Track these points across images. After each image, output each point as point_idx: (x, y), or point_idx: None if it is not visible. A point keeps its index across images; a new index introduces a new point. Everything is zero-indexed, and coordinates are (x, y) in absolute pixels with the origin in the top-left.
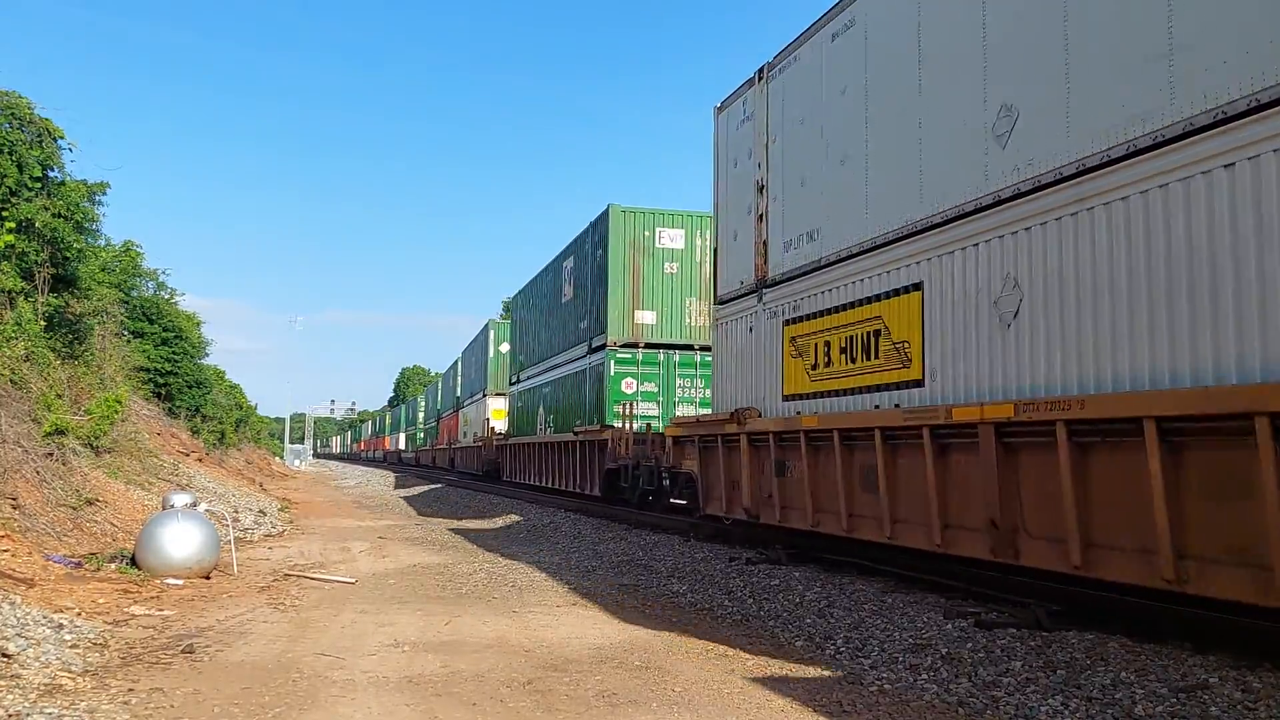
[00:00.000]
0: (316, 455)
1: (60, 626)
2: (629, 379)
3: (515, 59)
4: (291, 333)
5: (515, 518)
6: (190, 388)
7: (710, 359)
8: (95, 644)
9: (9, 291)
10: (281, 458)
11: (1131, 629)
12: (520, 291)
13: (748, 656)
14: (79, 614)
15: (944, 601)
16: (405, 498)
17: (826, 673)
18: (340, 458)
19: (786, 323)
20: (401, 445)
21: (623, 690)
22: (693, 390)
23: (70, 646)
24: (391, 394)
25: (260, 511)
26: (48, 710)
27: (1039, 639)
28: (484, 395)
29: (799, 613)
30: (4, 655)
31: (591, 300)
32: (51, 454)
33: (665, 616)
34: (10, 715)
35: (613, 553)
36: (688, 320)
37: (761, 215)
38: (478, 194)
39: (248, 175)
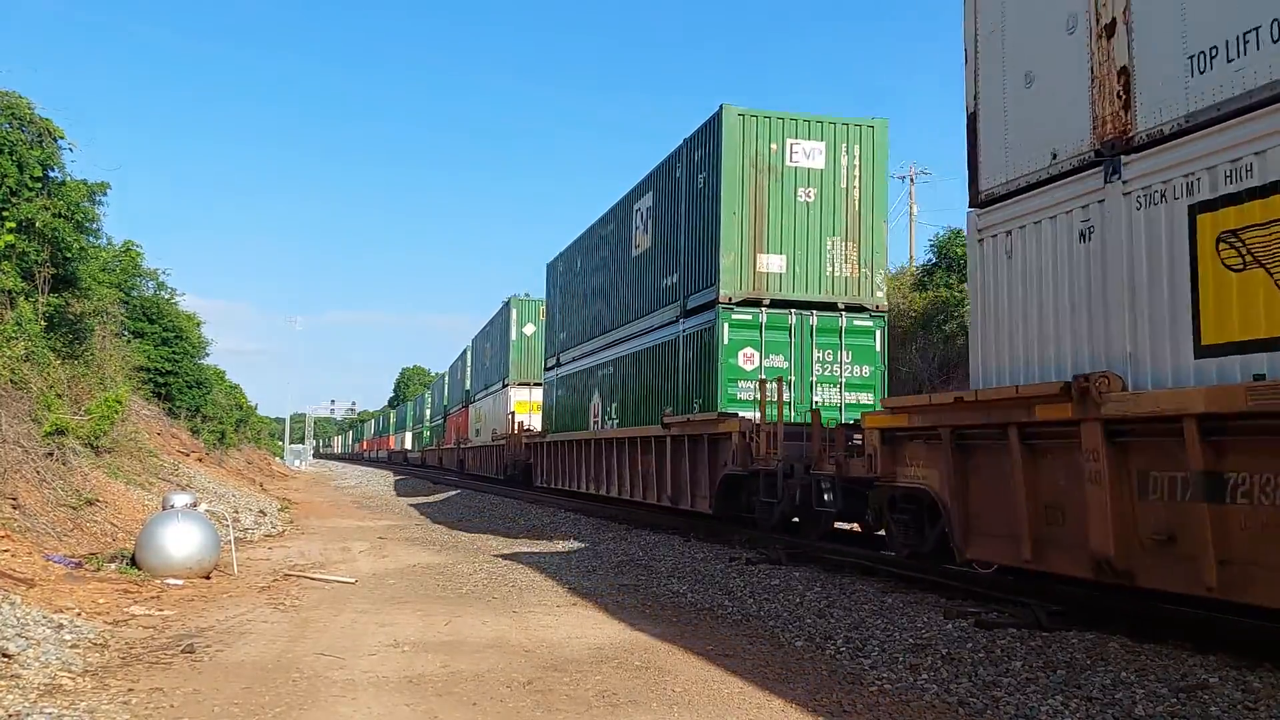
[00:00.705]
0: (317, 455)
1: (60, 626)
2: (748, 349)
3: (516, 61)
4: (291, 333)
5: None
6: (190, 388)
7: (863, 324)
8: (95, 644)
9: (9, 291)
10: (281, 458)
11: (1131, 629)
12: (560, 256)
13: (748, 656)
14: (79, 614)
15: (944, 601)
16: (414, 505)
17: (826, 673)
18: (342, 458)
19: (1200, 208)
20: (407, 445)
21: (623, 690)
22: (836, 367)
23: (70, 646)
24: (391, 394)
25: (260, 512)
26: (48, 710)
27: (1039, 639)
28: (504, 386)
29: (799, 613)
30: (4, 655)
31: (688, 244)
32: (51, 454)
33: (665, 616)
34: (10, 715)
35: (613, 553)
36: (829, 269)
37: (1110, 24)
38: (478, 194)
39: (248, 176)
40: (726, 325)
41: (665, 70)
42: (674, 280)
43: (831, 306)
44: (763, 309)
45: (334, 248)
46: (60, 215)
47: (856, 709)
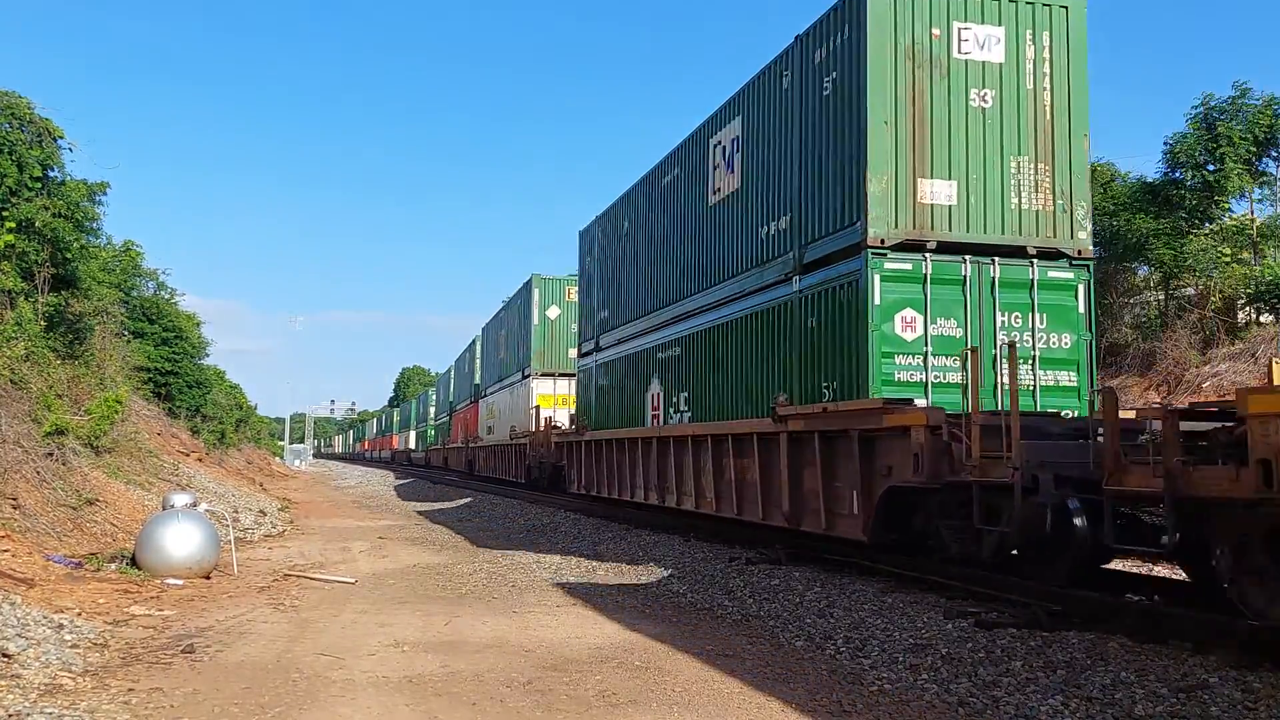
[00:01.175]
0: (318, 456)
1: (60, 626)
2: (908, 311)
3: (516, 60)
4: (291, 333)
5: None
6: (190, 388)
7: (1061, 276)
8: (95, 644)
9: (9, 291)
10: (281, 458)
11: (1131, 629)
12: (598, 220)
13: (748, 656)
14: (79, 614)
15: (944, 601)
16: (414, 505)
17: (826, 673)
18: (342, 458)
19: None
20: (411, 444)
21: (623, 690)
22: (1027, 336)
23: (70, 646)
24: (392, 394)
25: (260, 511)
26: (48, 710)
27: (1039, 639)
28: (525, 377)
29: (799, 613)
30: (4, 655)
31: (807, 175)
32: (51, 454)
33: (665, 616)
34: (10, 715)
35: (613, 553)
36: (1013, 200)
37: None
38: (478, 192)
39: (249, 176)
40: (878, 278)
41: (670, 66)
42: (782, 226)
43: (1019, 251)
44: (927, 255)
45: (334, 247)
46: (60, 215)
47: (856, 709)
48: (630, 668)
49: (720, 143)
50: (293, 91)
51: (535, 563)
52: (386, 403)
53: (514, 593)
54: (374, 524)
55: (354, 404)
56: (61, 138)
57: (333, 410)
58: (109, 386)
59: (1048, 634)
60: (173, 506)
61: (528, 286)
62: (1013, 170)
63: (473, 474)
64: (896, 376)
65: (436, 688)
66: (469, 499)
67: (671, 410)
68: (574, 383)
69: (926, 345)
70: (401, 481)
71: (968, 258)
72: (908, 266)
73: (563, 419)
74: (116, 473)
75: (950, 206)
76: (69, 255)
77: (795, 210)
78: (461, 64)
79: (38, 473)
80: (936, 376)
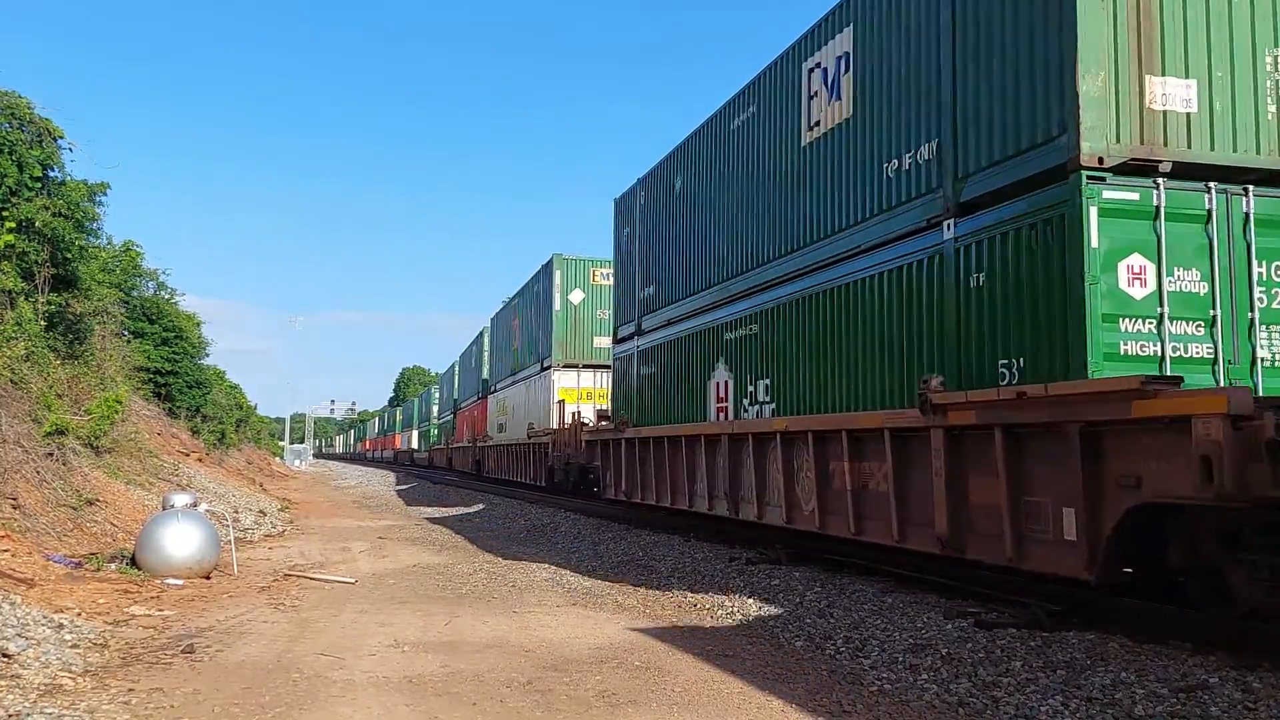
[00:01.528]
0: (318, 456)
1: (60, 626)
2: (1136, 259)
3: (515, 57)
4: (291, 333)
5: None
6: (190, 388)
7: None
8: (95, 644)
9: (9, 291)
10: (281, 458)
11: (1132, 629)
12: (643, 183)
13: (748, 656)
14: (79, 614)
15: (944, 602)
16: (414, 505)
17: (826, 673)
18: (343, 458)
19: None
20: (414, 444)
21: (623, 690)
22: None
23: (70, 646)
24: (392, 394)
25: (260, 512)
26: (48, 710)
27: (1039, 639)
28: (544, 369)
29: (799, 613)
30: (4, 655)
31: (968, 81)
32: (51, 454)
33: (665, 616)
34: (10, 715)
35: (613, 553)
36: (1270, 107)
37: None
38: (477, 195)
39: (249, 176)
40: (1095, 211)
41: (690, 61)
42: (924, 157)
43: (1278, 178)
44: (1159, 181)
45: (334, 247)
46: (60, 215)
47: (856, 709)
48: (630, 668)
49: (820, 64)
50: (293, 92)
51: (535, 563)
52: (387, 403)
53: (514, 593)
54: (374, 524)
55: (354, 404)
56: (61, 138)
57: (333, 410)
58: (109, 386)
59: (1048, 634)
60: (173, 506)
61: (548, 268)
62: (1268, 67)
63: (480, 475)
64: (1121, 348)
65: (436, 688)
66: (470, 499)
67: (746, 401)
68: (599, 374)
69: (1161, 305)
70: (403, 483)
71: (1213, 185)
72: (1134, 196)
73: (588, 414)
74: (116, 473)
75: (1189, 115)
76: (69, 255)
77: (947, 133)
78: (460, 65)
79: (38, 473)
80: (1176, 349)
